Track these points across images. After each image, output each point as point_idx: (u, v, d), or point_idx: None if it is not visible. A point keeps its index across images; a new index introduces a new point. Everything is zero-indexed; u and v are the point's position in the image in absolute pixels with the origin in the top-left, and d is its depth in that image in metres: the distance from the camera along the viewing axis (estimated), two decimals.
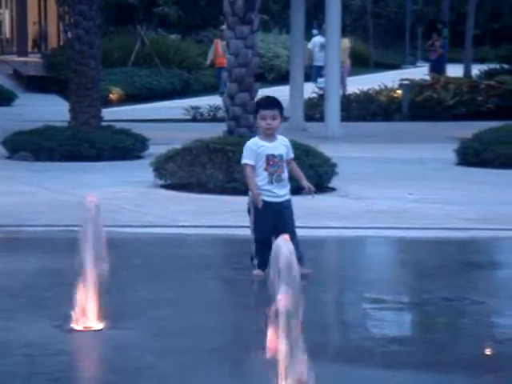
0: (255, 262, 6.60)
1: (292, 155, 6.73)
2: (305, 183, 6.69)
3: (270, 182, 6.55)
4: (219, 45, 24.09)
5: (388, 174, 12.18)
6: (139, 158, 13.29)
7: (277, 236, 6.36)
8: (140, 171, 11.51)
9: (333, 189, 10.71)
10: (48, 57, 27.78)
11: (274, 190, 6.55)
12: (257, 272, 6.59)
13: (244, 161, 6.64)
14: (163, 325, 5.55)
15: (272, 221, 6.53)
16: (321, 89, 22.36)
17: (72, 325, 5.33)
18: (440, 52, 25.94)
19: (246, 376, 4.81)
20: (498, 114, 18.54)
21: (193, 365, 4.84)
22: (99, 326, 5.35)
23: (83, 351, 5.24)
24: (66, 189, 10.63)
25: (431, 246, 8.24)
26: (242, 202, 9.78)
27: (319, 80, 22.74)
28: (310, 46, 24.76)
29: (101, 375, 4.84)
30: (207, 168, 10.47)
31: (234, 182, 10.28)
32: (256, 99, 7.34)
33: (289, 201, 6.66)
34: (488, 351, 5.16)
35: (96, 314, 5.36)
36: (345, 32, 46.93)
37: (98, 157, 13.02)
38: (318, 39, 24.61)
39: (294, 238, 6.47)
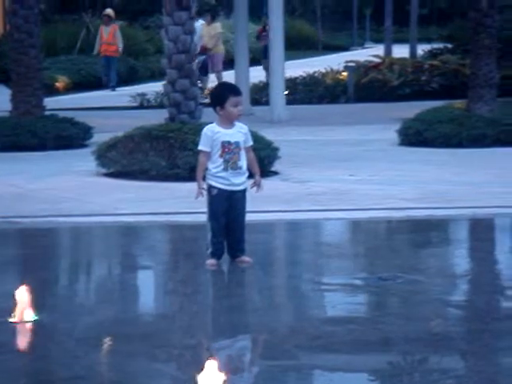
0: (209, 250, 6.53)
1: (250, 143, 6.57)
2: (257, 178, 6.59)
3: (225, 169, 6.44)
4: (103, 31, 23.40)
5: (330, 156, 12.27)
6: (83, 146, 13.21)
7: (228, 227, 6.46)
8: (83, 160, 11.47)
9: (275, 172, 10.77)
10: None
11: (230, 178, 6.45)
12: (211, 261, 6.51)
13: (199, 147, 6.55)
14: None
15: (226, 209, 6.48)
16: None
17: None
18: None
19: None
20: (442, 94, 18.72)
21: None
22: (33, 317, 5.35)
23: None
24: (6, 179, 10.56)
25: (369, 227, 8.34)
26: (185, 188, 9.89)
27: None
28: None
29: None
30: (149, 155, 10.47)
31: (177, 169, 10.30)
32: (219, 87, 6.99)
33: (245, 190, 6.54)
34: (417, 329, 5.24)
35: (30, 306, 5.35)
36: (294, 15, 47.13)
37: (40, 146, 12.92)
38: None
39: (242, 228, 6.55)
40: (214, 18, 22.76)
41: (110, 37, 23.38)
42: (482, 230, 8.29)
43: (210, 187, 6.49)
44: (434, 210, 8.56)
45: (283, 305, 6.02)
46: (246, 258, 6.59)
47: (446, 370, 4.66)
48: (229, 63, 22.17)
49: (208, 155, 6.48)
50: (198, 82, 20.89)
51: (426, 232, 8.00)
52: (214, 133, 6.48)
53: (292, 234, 8.37)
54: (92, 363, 4.72)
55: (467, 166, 11.22)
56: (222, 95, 6.53)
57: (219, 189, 6.46)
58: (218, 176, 6.46)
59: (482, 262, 6.99)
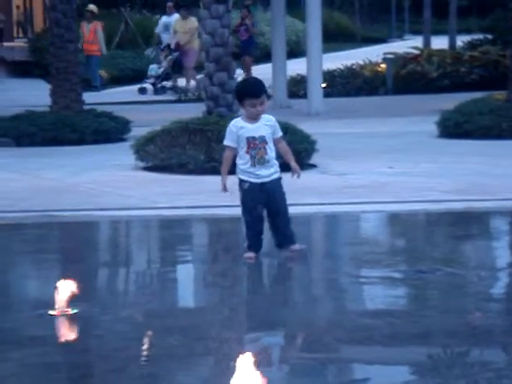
0: (246, 244, 6.54)
1: (279, 134, 6.52)
2: (292, 164, 6.56)
3: (253, 165, 6.41)
4: (85, 28, 22.06)
5: (369, 148, 12.22)
6: (122, 140, 13.31)
7: (269, 217, 6.48)
8: (122, 154, 11.54)
9: (313, 165, 10.75)
10: (33, 41, 27.68)
11: (258, 172, 6.42)
12: (248, 255, 6.50)
13: (224, 142, 6.55)
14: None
15: (260, 202, 6.45)
16: (153, 77, 21.15)
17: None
18: (254, 31, 22.74)
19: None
20: (482, 85, 18.56)
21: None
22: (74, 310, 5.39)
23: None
24: (46, 174, 10.66)
25: (408, 219, 8.30)
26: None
27: (151, 66, 21.33)
28: (157, 30, 22.84)
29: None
30: (187, 149, 10.50)
31: (214, 162, 10.28)
32: (238, 85, 6.83)
33: (277, 179, 6.48)
34: (457, 322, 5.21)
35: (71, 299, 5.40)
36: (332, 7, 46.95)
37: (80, 141, 13.04)
38: (163, 20, 22.69)
39: (286, 217, 6.53)
40: (190, 13, 21.83)
41: (91, 35, 22.12)
42: None
43: (241, 181, 6.47)
44: (473, 203, 8.48)
45: (322, 298, 6.01)
46: (296, 246, 6.56)
47: (485, 363, 4.62)
48: (266, 56, 22.17)
49: (234, 150, 6.45)
50: (166, 82, 20.45)
51: (466, 224, 7.95)
52: (238, 128, 6.43)
53: (330, 227, 8.36)
54: (131, 356, 4.75)
55: (507, 158, 11.10)
56: (240, 95, 6.47)
57: (250, 182, 6.44)
58: (248, 171, 6.44)
59: None
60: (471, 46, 22.28)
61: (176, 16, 22.00)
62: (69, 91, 13.37)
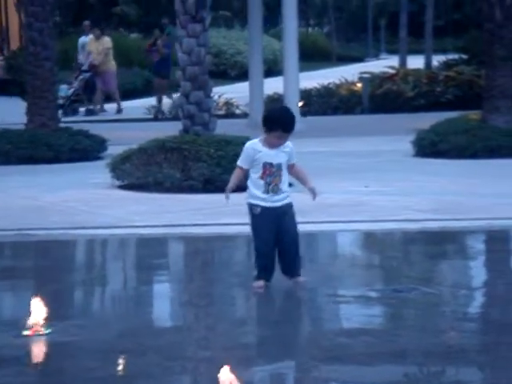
0: (255, 273, 6.26)
1: (294, 161, 6.30)
2: (308, 186, 6.42)
3: (266, 192, 6.16)
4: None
5: (345, 167, 12.26)
6: (98, 158, 13.27)
7: (278, 244, 6.21)
8: (98, 172, 11.50)
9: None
10: (9, 59, 27.60)
11: (271, 198, 6.17)
12: (258, 284, 6.23)
13: (238, 162, 6.26)
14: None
15: (272, 227, 6.18)
16: (63, 98, 20.23)
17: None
18: (163, 52, 21.82)
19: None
20: (457, 105, 18.70)
21: None
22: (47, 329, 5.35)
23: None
24: (22, 192, 10.60)
25: (384, 238, 8.33)
26: (199, 199, 9.92)
27: (61, 87, 20.22)
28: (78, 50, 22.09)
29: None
30: (163, 167, 10.49)
31: (191, 180, 10.31)
32: (273, 114, 6.32)
33: (289, 205, 6.28)
34: (433, 341, 5.22)
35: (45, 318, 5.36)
36: (309, 26, 47.15)
37: (56, 159, 12.99)
38: (81, 40, 22.08)
39: (296, 243, 6.30)
40: (103, 33, 21.50)
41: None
42: (498, 242, 8.24)
43: (252, 206, 6.21)
44: (449, 222, 8.53)
45: (298, 317, 6.01)
46: (300, 279, 6.33)
47: (460, 382, 4.64)
48: (244, 74, 22.24)
49: (246, 171, 6.21)
50: (77, 104, 19.64)
51: (441, 244, 7.97)
52: (255, 151, 6.15)
53: (306, 246, 8.35)
54: (106, 376, 4.72)
55: (482, 178, 11.17)
56: (273, 124, 6.13)
57: (262, 206, 6.17)
58: (259, 197, 6.18)
59: (497, 273, 6.95)
60: (446, 65, 22.45)
61: (91, 36, 21.43)
62: (45, 109, 13.33)
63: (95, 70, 21.00)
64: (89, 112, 21.25)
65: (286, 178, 6.26)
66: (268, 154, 6.14)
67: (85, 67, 21.05)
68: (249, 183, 6.22)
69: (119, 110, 21.40)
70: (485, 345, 5.25)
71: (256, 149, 6.16)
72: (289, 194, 6.30)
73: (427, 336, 5.29)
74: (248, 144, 6.23)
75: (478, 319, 5.82)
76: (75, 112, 20.99)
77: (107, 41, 21.08)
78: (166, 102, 21.20)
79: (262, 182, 6.14)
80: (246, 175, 6.25)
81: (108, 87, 21.19)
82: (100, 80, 21.11)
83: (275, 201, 6.19)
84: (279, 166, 6.16)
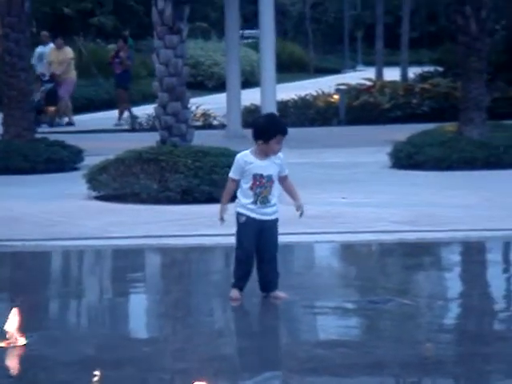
0: (232, 282, 6.29)
1: (285, 173, 6.30)
2: (297, 203, 6.42)
3: (255, 203, 6.19)
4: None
5: (322, 178, 12.28)
6: (75, 169, 13.21)
7: (258, 259, 6.21)
8: (74, 183, 11.46)
9: None
10: None
11: (259, 210, 6.22)
12: (233, 295, 6.26)
13: (230, 174, 6.32)
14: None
15: (255, 240, 6.22)
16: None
17: None
18: (127, 64, 21.49)
19: None
20: (433, 117, 18.78)
21: None
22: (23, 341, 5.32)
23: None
24: None
25: (361, 250, 8.35)
26: (176, 210, 9.91)
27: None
28: (33, 61, 20.53)
29: None
30: (140, 178, 10.47)
31: (168, 191, 10.30)
32: (267, 122, 6.34)
33: (275, 221, 6.31)
34: (409, 352, 5.23)
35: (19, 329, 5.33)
36: (286, 37, 47.27)
37: (32, 170, 12.92)
38: (38, 50, 21.31)
39: (275, 259, 6.32)
40: (64, 43, 21.23)
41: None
42: (474, 253, 8.30)
43: (239, 214, 6.23)
44: (425, 233, 8.57)
45: (274, 328, 6.01)
46: (280, 294, 6.33)
47: None
48: (221, 85, 22.25)
49: (238, 182, 6.25)
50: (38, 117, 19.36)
51: (418, 255, 8.01)
52: (246, 163, 6.19)
53: (283, 257, 8.34)
54: None
55: (458, 189, 11.24)
56: (271, 131, 6.15)
57: (248, 216, 6.21)
58: (247, 207, 6.22)
59: (473, 285, 6.99)
60: (422, 78, 22.55)
61: (51, 46, 21.13)
62: (20, 120, 13.27)
63: (56, 80, 20.87)
64: (69, 124, 21.09)
65: (275, 190, 6.30)
66: (259, 165, 6.20)
67: (46, 77, 20.91)
68: (238, 193, 6.27)
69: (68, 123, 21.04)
70: (460, 356, 5.28)
71: (247, 160, 6.22)
72: (277, 210, 6.32)
73: (403, 347, 5.31)
74: (239, 156, 6.30)
75: (454, 330, 5.84)
76: (39, 124, 20.73)
77: (69, 51, 20.98)
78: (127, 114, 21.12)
79: (251, 193, 6.20)
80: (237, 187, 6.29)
81: (63, 93, 20.81)
82: (61, 89, 20.96)
83: (263, 214, 6.24)
84: (269, 178, 6.22)
